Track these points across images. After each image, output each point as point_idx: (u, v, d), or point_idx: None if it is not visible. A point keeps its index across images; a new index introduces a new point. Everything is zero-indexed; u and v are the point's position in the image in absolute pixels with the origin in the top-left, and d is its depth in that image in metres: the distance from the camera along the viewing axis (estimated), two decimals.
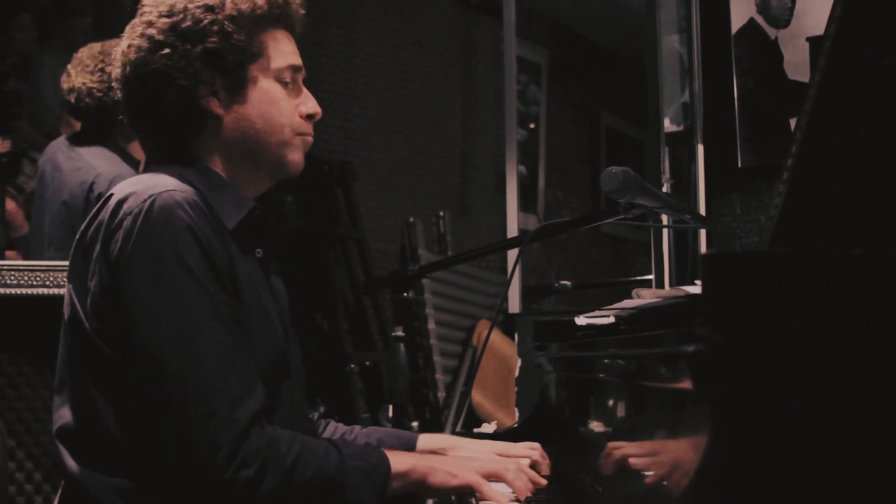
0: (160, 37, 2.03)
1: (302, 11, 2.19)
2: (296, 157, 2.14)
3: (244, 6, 2.05)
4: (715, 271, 1.33)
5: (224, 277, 1.92)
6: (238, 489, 1.83)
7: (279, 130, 2.10)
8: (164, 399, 1.85)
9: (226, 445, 1.83)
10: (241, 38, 2.04)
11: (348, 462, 1.93)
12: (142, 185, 1.95)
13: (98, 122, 3.73)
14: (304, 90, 2.17)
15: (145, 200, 1.90)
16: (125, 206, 1.91)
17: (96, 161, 3.75)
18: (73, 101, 3.73)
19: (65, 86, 3.77)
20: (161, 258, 1.87)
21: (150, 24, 2.05)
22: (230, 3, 2.05)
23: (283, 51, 2.12)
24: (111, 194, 1.99)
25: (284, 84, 2.11)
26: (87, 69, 3.73)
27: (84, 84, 3.71)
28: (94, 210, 2.01)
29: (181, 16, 2.03)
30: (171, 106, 2.05)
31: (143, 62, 2.04)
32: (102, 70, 3.69)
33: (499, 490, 2.04)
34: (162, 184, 1.94)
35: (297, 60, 2.15)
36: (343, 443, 1.99)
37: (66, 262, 2.06)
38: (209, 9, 2.04)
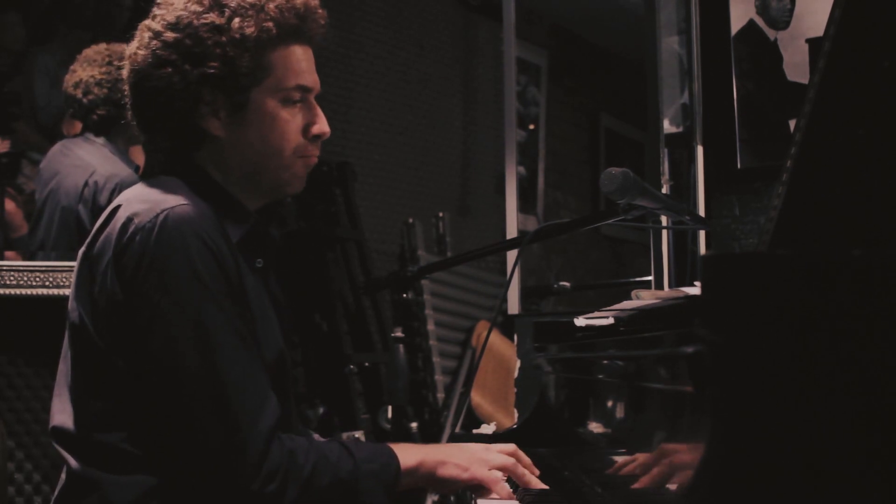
0: (163, 52, 2.00)
1: (321, 23, 2.12)
2: (295, 179, 2.11)
3: (249, 30, 1.99)
4: (714, 273, 1.33)
5: (237, 290, 1.92)
6: (264, 502, 1.85)
7: (278, 154, 2.06)
8: (186, 415, 1.86)
9: (251, 461, 1.85)
10: (244, 62, 2.00)
11: (361, 465, 1.95)
12: (152, 200, 1.93)
13: (103, 117, 3.74)
14: (316, 109, 2.11)
15: (158, 215, 1.88)
16: (136, 221, 1.89)
17: (93, 160, 3.76)
18: (79, 94, 3.74)
19: (70, 82, 3.77)
20: (178, 275, 1.86)
21: (156, 34, 2.01)
22: (237, 25, 1.99)
23: (293, 70, 2.06)
24: (118, 206, 1.98)
25: (292, 103, 2.06)
26: (94, 63, 3.75)
27: (92, 76, 3.73)
28: (100, 223, 1.99)
29: (186, 32, 1.99)
30: (170, 122, 2.04)
31: (146, 76, 2.02)
32: (110, 63, 3.71)
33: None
34: (173, 198, 1.93)
35: (308, 80, 2.08)
36: (354, 445, 2.01)
37: (66, 263, 2.05)
38: (215, 29, 1.99)
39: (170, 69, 2.00)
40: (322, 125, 2.11)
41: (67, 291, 2.05)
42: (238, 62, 2.00)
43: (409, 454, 2.02)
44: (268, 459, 1.85)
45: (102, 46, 3.79)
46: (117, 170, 3.74)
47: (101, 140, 3.80)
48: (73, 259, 2.04)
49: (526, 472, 2.08)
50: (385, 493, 1.97)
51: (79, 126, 3.87)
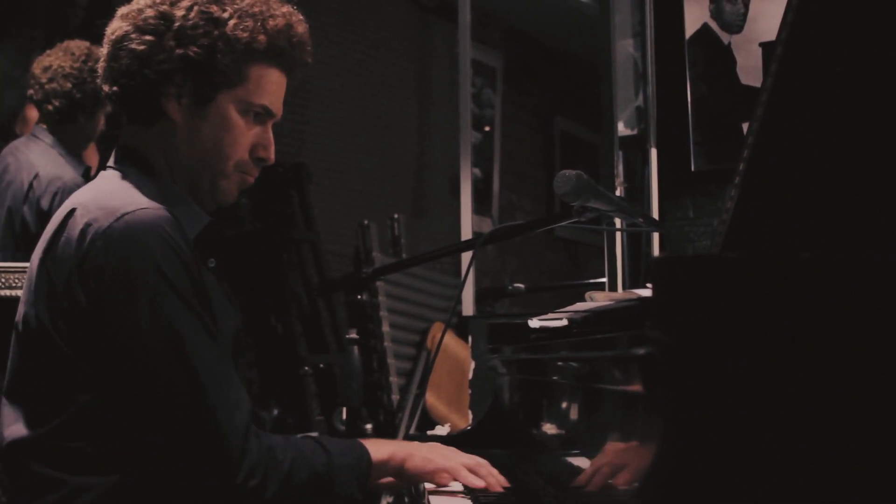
0: (153, 21, 2.00)
1: (306, 59, 2.13)
2: (229, 190, 2.10)
3: (243, 35, 2.00)
4: (666, 275, 1.34)
5: (201, 289, 1.92)
6: (247, 497, 1.87)
7: (223, 160, 2.06)
8: (166, 416, 1.86)
9: (233, 455, 1.86)
10: (225, 62, 2.00)
11: (335, 459, 1.98)
12: (109, 204, 1.91)
13: (57, 109, 3.72)
14: (270, 135, 2.11)
15: (118, 219, 1.86)
16: (95, 227, 1.87)
17: (38, 161, 3.73)
18: (44, 79, 3.72)
19: (40, 64, 3.76)
20: (144, 279, 1.85)
21: (154, 2, 2.01)
22: (232, 25, 2.00)
23: (265, 90, 2.06)
24: (73, 209, 1.95)
25: (252, 120, 2.07)
26: (70, 55, 3.74)
27: (62, 66, 3.72)
28: (56, 227, 1.96)
29: (182, 12, 2.00)
30: (133, 89, 2.03)
31: (126, 37, 2.01)
32: (85, 62, 3.69)
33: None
34: (132, 202, 1.91)
35: (274, 105, 2.09)
36: (327, 440, 2.03)
37: (19, 264, 2.02)
38: (211, 20, 2.00)
39: (151, 38, 2.00)
40: (270, 153, 2.11)
41: (20, 293, 2.02)
42: (220, 58, 2.00)
43: (379, 448, 2.06)
44: (248, 454, 1.87)
45: (85, 44, 3.78)
46: (61, 172, 3.71)
47: (49, 140, 3.77)
48: (19, 260, 2.01)
49: (490, 473, 2.09)
50: (358, 486, 2.00)
51: (32, 126, 3.85)
